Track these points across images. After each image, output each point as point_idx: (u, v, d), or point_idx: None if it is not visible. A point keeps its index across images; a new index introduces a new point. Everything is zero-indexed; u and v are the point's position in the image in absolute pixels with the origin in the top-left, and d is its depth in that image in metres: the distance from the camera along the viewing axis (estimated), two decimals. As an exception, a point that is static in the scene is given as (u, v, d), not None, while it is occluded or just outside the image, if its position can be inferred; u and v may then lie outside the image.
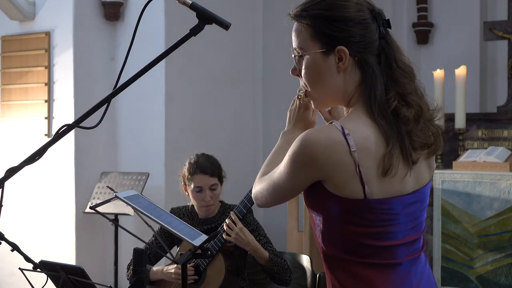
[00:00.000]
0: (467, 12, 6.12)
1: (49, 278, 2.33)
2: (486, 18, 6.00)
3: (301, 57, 1.67)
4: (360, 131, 1.55)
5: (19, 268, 2.29)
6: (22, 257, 2.23)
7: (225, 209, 3.15)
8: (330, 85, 1.64)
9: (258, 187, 1.72)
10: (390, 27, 1.66)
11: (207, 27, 1.70)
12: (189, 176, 3.12)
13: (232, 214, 2.98)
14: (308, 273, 3.15)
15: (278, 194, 1.67)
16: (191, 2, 1.67)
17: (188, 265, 3.02)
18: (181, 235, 2.50)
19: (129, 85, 1.68)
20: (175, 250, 3.18)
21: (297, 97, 1.76)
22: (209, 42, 4.88)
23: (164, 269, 3.08)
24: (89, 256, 4.93)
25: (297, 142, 1.56)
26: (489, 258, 4.24)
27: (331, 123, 1.58)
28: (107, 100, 1.69)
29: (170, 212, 3.21)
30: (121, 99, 4.91)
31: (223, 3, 5.00)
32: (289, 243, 5.08)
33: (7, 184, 1.67)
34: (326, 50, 1.62)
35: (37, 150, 1.65)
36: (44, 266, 2.34)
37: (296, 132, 1.78)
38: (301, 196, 4.38)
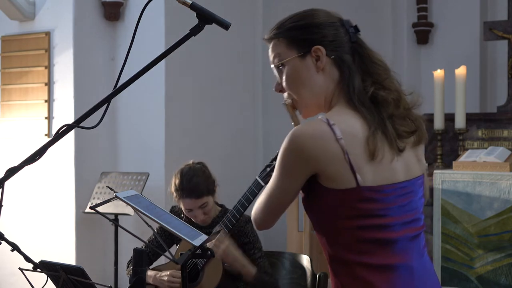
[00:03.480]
0: (467, 12, 6.12)
1: (49, 278, 2.33)
2: (486, 18, 6.00)
3: (280, 69, 1.75)
4: (344, 121, 1.62)
5: (19, 268, 2.29)
6: (22, 257, 2.23)
7: (224, 213, 3.13)
8: (312, 86, 1.72)
9: (255, 206, 1.76)
10: (359, 31, 1.76)
11: (207, 27, 1.71)
12: (176, 198, 3.09)
13: (217, 230, 2.95)
14: (308, 273, 3.15)
15: (275, 203, 1.69)
16: (191, 2, 1.67)
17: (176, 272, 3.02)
18: (181, 235, 2.50)
19: (129, 85, 1.68)
20: (174, 249, 3.18)
21: (283, 103, 1.82)
22: (209, 42, 4.88)
23: (157, 276, 3.06)
24: (89, 256, 4.92)
25: (286, 140, 1.62)
26: (489, 258, 4.24)
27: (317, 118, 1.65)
28: (107, 100, 1.70)
29: (171, 209, 3.21)
30: (121, 99, 4.91)
31: (223, 3, 5.00)
32: (289, 243, 5.08)
33: (7, 184, 1.67)
34: (303, 53, 1.71)
35: (37, 150, 1.66)
36: (44, 266, 2.34)
37: None
38: (301, 196, 4.31)
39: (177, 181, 3.05)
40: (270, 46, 1.77)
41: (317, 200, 1.64)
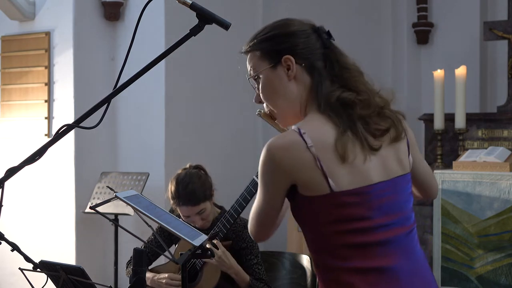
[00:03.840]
0: (467, 12, 6.12)
1: (49, 278, 2.33)
2: (486, 18, 6.00)
3: (256, 80, 1.79)
4: (315, 128, 1.64)
5: (19, 268, 2.29)
6: (22, 257, 2.23)
7: (224, 214, 3.13)
8: (286, 95, 1.75)
9: (249, 224, 1.83)
10: (332, 37, 1.77)
11: (207, 27, 1.71)
12: (174, 206, 3.08)
13: (216, 230, 2.95)
14: (308, 273, 3.15)
15: (264, 217, 1.76)
16: (191, 2, 1.68)
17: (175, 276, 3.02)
18: (181, 235, 2.50)
19: (129, 85, 1.68)
20: (173, 249, 3.18)
21: (257, 114, 1.90)
22: (209, 42, 4.88)
23: (155, 278, 3.06)
24: (89, 256, 4.93)
25: (262, 153, 1.67)
26: (489, 258, 4.24)
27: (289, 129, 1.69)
28: (107, 100, 1.70)
29: (170, 210, 3.20)
30: (121, 99, 4.91)
31: (223, 3, 5.00)
32: (289, 243, 5.08)
33: (7, 184, 1.67)
34: (274, 64, 1.74)
35: (37, 150, 1.66)
36: (44, 266, 2.34)
37: None
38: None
39: (173, 188, 3.04)
40: (247, 59, 1.82)
41: (299, 208, 1.69)
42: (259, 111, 1.87)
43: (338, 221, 1.62)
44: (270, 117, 1.84)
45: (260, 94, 1.80)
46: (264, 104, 1.82)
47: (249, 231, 1.84)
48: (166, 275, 3.04)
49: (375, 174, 1.65)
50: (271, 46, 1.75)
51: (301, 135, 1.62)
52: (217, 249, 2.89)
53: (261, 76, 1.77)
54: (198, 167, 3.14)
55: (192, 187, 3.00)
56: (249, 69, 1.81)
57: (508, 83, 5.44)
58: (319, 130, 1.63)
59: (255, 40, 1.79)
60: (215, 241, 2.90)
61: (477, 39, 6.00)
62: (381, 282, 1.62)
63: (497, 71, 6.09)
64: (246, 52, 1.82)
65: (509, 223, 4.17)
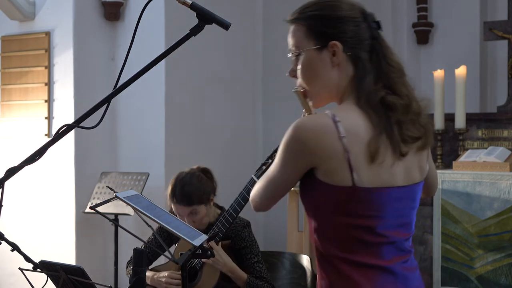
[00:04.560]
0: (467, 12, 6.12)
1: (49, 278, 2.33)
2: (486, 18, 6.00)
3: (297, 57, 1.74)
4: (350, 119, 1.61)
5: (19, 268, 2.29)
6: (22, 257, 2.23)
7: (223, 215, 3.13)
8: (325, 80, 1.71)
9: (254, 189, 1.79)
10: (380, 28, 1.74)
11: (207, 27, 1.71)
12: (169, 202, 3.10)
13: (215, 230, 2.95)
14: (308, 273, 3.15)
15: (273, 189, 1.72)
16: (191, 2, 1.68)
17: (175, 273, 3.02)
18: (181, 235, 2.50)
19: (129, 85, 1.68)
20: (172, 249, 3.18)
21: (294, 91, 1.81)
22: (209, 42, 4.88)
23: (155, 276, 3.06)
24: (89, 256, 4.92)
25: (289, 130, 1.63)
26: (489, 258, 4.24)
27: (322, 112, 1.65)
28: (107, 100, 1.70)
29: (171, 209, 3.20)
30: (121, 99, 4.91)
31: (223, 3, 5.00)
32: (289, 243, 5.08)
33: (7, 184, 1.67)
34: (320, 46, 1.70)
35: (37, 150, 1.66)
36: (44, 266, 2.34)
37: None
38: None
39: (171, 186, 3.07)
40: (290, 29, 1.76)
41: (312, 191, 1.65)
42: (296, 88, 1.79)
43: (352, 215, 1.62)
44: (303, 95, 1.79)
45: (298, 71, 1.74)
46: (298, 81, 1.77)
47: (251, 200, 1.80)
48: (166, 273, 3.04)
49: (397, 178, 1.65)
50: (319, 26, 1.70)
51: (334, 122, 1.59)
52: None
53: (302, 54, 1.72)
54: (204, 170, 3.15)
55: (188, 188, 3.02)
56: (290, 42, 1.76)
57: (508, 83, 5.44)
58: (354, 123, 1.61)
59: (304, 14, 1.73)
60: (208, 243, 2.90)
61: (477, 39, 6.00)
62: (379, 279, 1.63)
63: (497, 71, 6.09)
64: (291, 22, 1.76)
65: (509, 223, 4.17)
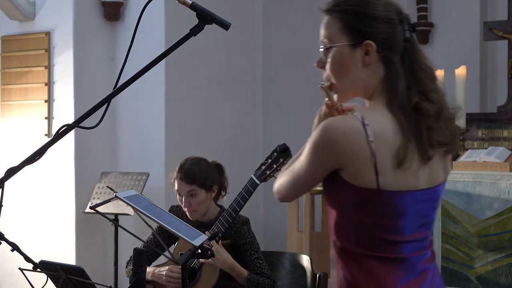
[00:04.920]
0: (467, 12, 6.12)
1: (49, 278, 2.33)
2: (486, 18, 6.00)
3: (328, 49, 1.72)
4: (378, 122, 1.61)
5: (19, 268, 2.29)
6: (22, 257, 2.23)
7: (224, 213, 3.13)
8: (354, 78, 1.70)
9: (279, 181, 1.79)
10: (415, 31, 1.72)
11: (207, 27, 1.71)
12: (172, 180, 3.12)
13: (214, 230, 2.96)
14: (308, 273, 3.14)
15: (298, 184, 1.73)
16: (191, 2, 1.68)
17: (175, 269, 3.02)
18: (181, 235, 2.50)
19: (129, 85, 1.68)
20: (172, 249, 3.18)
21: (320, 87, 1.79)
22: (209, 42, 4.88)
23: (156, 271, 3.06)
24: (89, 256, 4.92)
25: (318, 130, 1.63)
26: (489, 258, 4.23)
27: (351, 114, 1.65)
28: (107, 100, 1.70)
29: (170, 210, 3.21)
30: (121, 99, 4.91)
31: (223, 3, 5.00)
32: (289, 243, 5.08)
33: (7, 184, 1.67)
34: (354, 44, 1.68)
35: (37, 150, 1.66)
36: (44, 266, 2.34)
37: None
38: (301, 196, 4.34)
39: (179, 165, 3.12)
40: (324, 20, 1.74)
41: (336, 190, 1.67)
42: (322, 84, 1.77)
43: (375, 215, 1.63)
44: (329, 88, 1.76)
45: (327, 64, 1.73)
46: (325, 73, 1.75)
47: (276, 191, 1.80)
48: (166, 267, 3.04)
49: (422, 181, 1.66)
50: (355, 23, 1.68)
51: (364, 125, 1.59)
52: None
53: (334, 47, 1.70)
54: (218, 165, 3.20)
55: (194, 168, 3.07)
56: (322, 33, 1.73)
57: (508, 83, 5.44)
58: (383, 127, 1.61)
59: (340, 7, 1.71)
60: (208, 242, 2.91)
61: (477, 39, 6.00)
62: (399, 270, 1.65)
63: (497, 71, 6.09)
64: (326, 12, 1.73)
65: (509, 223, 4.17)
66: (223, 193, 3.18)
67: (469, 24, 6.08)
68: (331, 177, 1.66)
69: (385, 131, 1.60)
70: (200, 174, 3.06)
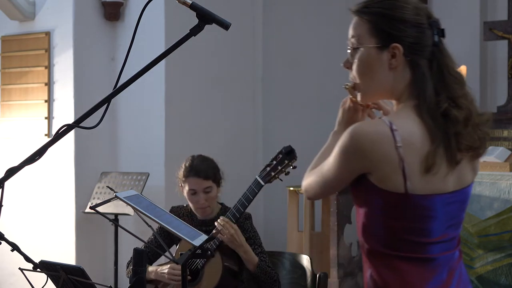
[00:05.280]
0: (467, 12, 6.11)
1: (49, 278, 2.33)
2: (486, 18, 6.00)
3: (355, 50, 1.73)
4: (407, 128, 1.62)
5: (19, 268, 2.29)
6: (22, 257, 2.23)
7: (225, 211, 3.15)
8: (379, 80, 1.71)
9: (308, 180, 1.80)
10: (444, 36, 1.74)
11: (207, 27, 1.71)
12: (183, 179, 3.12)
13: (223, 218, 2.97)
14: (308, 273, 3.15)
15: (327, 186, 1.75)
16: (191, 2, 1.68)
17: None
18: (181, 235, 2.50)
19: (129, 85, 1.68)
20: (174, 249, 3.18)
21: (344, 87, 1.79)
22: (209, 42, 4.88)
23: (158, 270, 3.08)
24: (89, 256, 4.92)
25: (346, 135, 1.63)
26: (489, 258, 4.23)
27: (380, 118, 1.66)
28: (107, 100, 1.70)
29: (171, 210, 3.21)
30: (121, 99, 4.91)
31: (223, 3, 4.99)
32: (289, 243, 5.08)
33: (7, 184, 1.67)
34: (381, 46, 1.69)
35: (37, 150, 1.66)
36: (44, 266, 2.34)
37: None
38: (301, 196, 4.43)
39: (187, 163, 3.13)
40: (353, 21, 1.75)
41: (364, 193, 1.67)
42: (346, 84, 1.78)
43: (403, 219, 1.64)
44: (354, 88, 1.77)
45: (353, 65, 1.73)
46: (351, 74, 1.75)
47: (304, 190, 1.81)
48: (168, 265, 3.05)
49: (450, 184, 1.67)
50: (384, 25, 1.68)
51: (392, 130, 1.60)
52: (230, 226, 2.93)
53: (361, 49, 1.71)
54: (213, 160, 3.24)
55: (207, 163, 3.13)
56: (351, 34, 1.74)
57: (508, 83, 5.44)
58: (411, 132, 1.62)
59: (369, 8, 1.72)
60: (225, 220, 2.93)
61: (477, 39, 6.00)
62: (428, 270, 1.66)
63: (497, 71, 6.08)
64: (355, 13, 1.74)
65: (509, 223, 4.17)
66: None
67: (469, 24, 6.07)
68: (359, 179, 1.67)
69: (413, 136, 1.61)
70: (212, 170, 3.12)
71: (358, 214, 1.74)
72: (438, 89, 1.66)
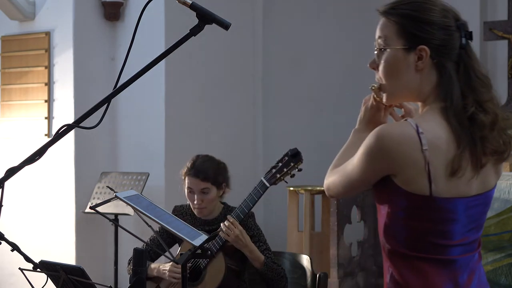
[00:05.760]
0: (467, 12, 6.07)
1: (49, 278, 2.33)
2: (486, 18, 6.00)
3: (381, 51, 1.72)
4: (433, 131, 1.62)
5: (19, 268, 2.29)
6: (22, 257, 2.23)
7: (227, 211, 3.14)
8: (405, 82, 1.70)
9: (331, 179, 1.80)
10: (472, 39, 1.74)
11: (207, 27, 1.70)
12: (184, 176, 3.13)
13: (229, 217, 2.97)
14: (308, 273, 3.15)
15: (350, 186, 1.74)
16: (191, 2, 1.68)
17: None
18: (181, 235, 2.50)
19: (129, 85, 1.68)
20: (176, 247, 3.18)
21: (370, 88, 1.79)
22: (209, 42, 4.88)
23: (160, 267, 3.09)
24: (89, 256, 4.92)
25: (372, 136, 1.63)
26: (489, 258, 4.23)
27: (405, 120, 1.65)
28: (107, 100, 1.70)
29: (174, 210, 3.22)
30: (121, 99, 4.91)
31: (223, 3, 4.99)
32: (289, 243, 5.08)
33: (7, 184, 1.67)
34: (408, 48, 1.68)
35: (37, 150, 1.66)
36: (44, 266, 2.34)
37: (367, 132, 1.84)
38: (301, 196, 4.43)
39: (190, 162, 3.14)
40: (380, 22, 1.75)
41: (388, 194, 1.67)
42: (372, 86, 1.77)
43: (425, 221, 1.64)
44: (379, 89, 1.77)
45: (380, 66, 1.73)
46: (377, 75, 1.75)
47: (325, 185, 1.81)
48: (170, 263, 3.06)
49: (474, 188, 1.67)
50: (412, 27, 1.68)
51: (418, 133, 1.60)
52: (235, 227, 2.93)
53: (388, 50, 1.71)
54: (223, 163, 3.23)
55: (208, 165, 3.11)
56: (378, 35, 1.74)
57: (508, 83, 5.44)
58: (437, 135, 1.61)
59: (397, 10, 1.71)
60: (231, 220, 2.93)
61: (477, 39, 5.99)
62: (448, 271, 1.67)
63: (497, 71, 6.08)
64: (382, 14, 1.74)
65: (509, 223, 4.17)
66: (227, 190, 3.20)
67: (469, 24, 6.05)
68: (383, 180, 1.66)
69: (439, 140, 1.61)
70: (213, 172, 3.10)
71: (380, 215, 1.73)
72: (465, 92, 1.65)
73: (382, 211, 1.71)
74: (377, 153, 1.62)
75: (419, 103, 1.74)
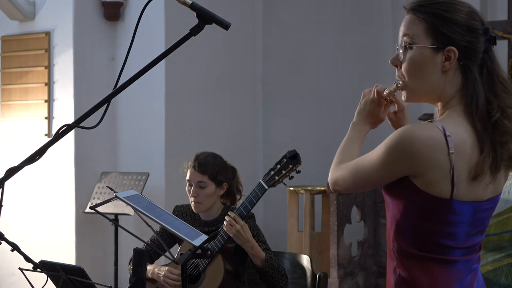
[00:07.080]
0: (467, 12, 6.11)
1: (49, 278, 2.33)
2: (486, 18, 5.97)
3: (406, 48, 1.69)
4: (458, 134, 1.60)
5: (19, 268, 2.29)
6: (22, 257, 2.23)
7: (227, 211, 3.14)
8: (430, 82, 1.68)
9: (339, 173, 1.76)
10: (495, 44, 1.72)
11: (207, 27, 1.70)
12: (185, 169, 3.14)
13: (231, 213, 2.97)
14: (308, 273, 3.14)
15: (362, 182, 1.72)
16: (191, 2, 1.67)
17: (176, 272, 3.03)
18: (181, 235, 2.50)
19: (129, 85, 1.68)
20: (176, 248, 3.18)
21: (396, 85, 1.74)
22: (209, 42, 4.88)
23: (156, 270, 3.08)
24: (89, 256, 4.93)
25: (397, 136, 1.61)
26: (489, 258, 4.23)
27: (430, 121, 1.63)
28: (107, 100, 1.69)
29: (174, 209, 3.22)
30: (121, 99, 4.91)
31: (223, 3, 5.00)
32: (289, 243, 5.08)
33: (7, 184, 1.67)
34: (437, 48, 1.65)
35: (37, 150, 1.66)
36: (44, 266, 2.34)
37: (366, 126, 1.83)
38: (301, 196, 4.41)
39: (195, 156, 3.15)
40: (407, 19, 1.72)
41: (404, 194, 1.65)
42: (398, 83, 1.73)
43: (438, 222, 1.64)
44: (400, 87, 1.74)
45: (404, 63, 1.70)
46: (399, 72, 1.72)
47: (332, 180, 1.77)
48: (166, 268, 3.05)
49: (488, 193, 1.68)
50: (441, 27, 1.65)
51: (445, 136, 1.58)
52: (236, 222, 2.92)
53: (414, 48, 1.67)
54: (232, 166, 3.24)
55: (209, 160, 3.11)
56: (404, 31, 1.71)
57: (508, 83, 5.43)
58: (462, 139, 1.61)
59: (427, 8, 1.68)
60: (232, 215, 2.92)
61: (477, 39, 6.00)
62: (453, 270, 1.68)
63: (497, 71, 6.09)
64: (410, 11, 1.71)
65: (509, 223, 4.17)
66: (237, 196, 3.19)
67: (469, 24, 6.07)
68: (400, 180, 1.64)
69: (464, 143, 1.60)
70: (213, 167, 3.09)
71: (389, 212, 1.71)
72: (488, 97, 1.65)
73: (393, 210, 1.69)
74: (402, 154, 1.60)
75: (438, 104, 1.71)
